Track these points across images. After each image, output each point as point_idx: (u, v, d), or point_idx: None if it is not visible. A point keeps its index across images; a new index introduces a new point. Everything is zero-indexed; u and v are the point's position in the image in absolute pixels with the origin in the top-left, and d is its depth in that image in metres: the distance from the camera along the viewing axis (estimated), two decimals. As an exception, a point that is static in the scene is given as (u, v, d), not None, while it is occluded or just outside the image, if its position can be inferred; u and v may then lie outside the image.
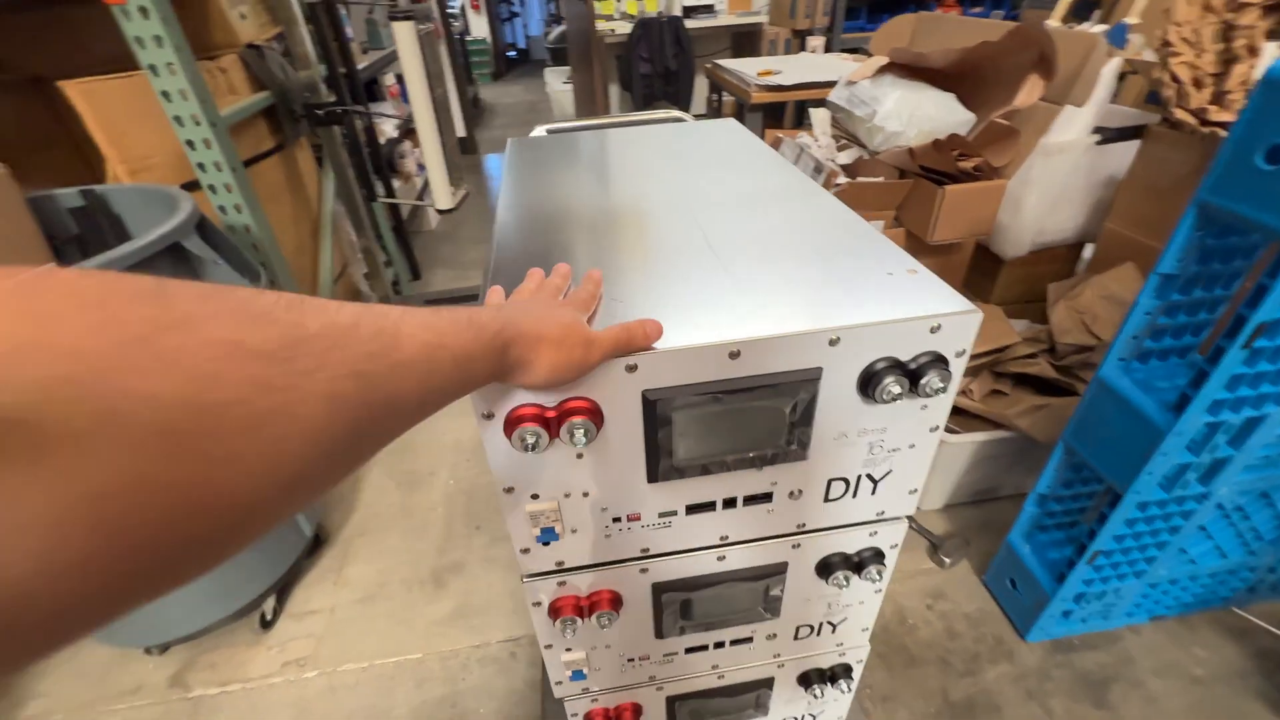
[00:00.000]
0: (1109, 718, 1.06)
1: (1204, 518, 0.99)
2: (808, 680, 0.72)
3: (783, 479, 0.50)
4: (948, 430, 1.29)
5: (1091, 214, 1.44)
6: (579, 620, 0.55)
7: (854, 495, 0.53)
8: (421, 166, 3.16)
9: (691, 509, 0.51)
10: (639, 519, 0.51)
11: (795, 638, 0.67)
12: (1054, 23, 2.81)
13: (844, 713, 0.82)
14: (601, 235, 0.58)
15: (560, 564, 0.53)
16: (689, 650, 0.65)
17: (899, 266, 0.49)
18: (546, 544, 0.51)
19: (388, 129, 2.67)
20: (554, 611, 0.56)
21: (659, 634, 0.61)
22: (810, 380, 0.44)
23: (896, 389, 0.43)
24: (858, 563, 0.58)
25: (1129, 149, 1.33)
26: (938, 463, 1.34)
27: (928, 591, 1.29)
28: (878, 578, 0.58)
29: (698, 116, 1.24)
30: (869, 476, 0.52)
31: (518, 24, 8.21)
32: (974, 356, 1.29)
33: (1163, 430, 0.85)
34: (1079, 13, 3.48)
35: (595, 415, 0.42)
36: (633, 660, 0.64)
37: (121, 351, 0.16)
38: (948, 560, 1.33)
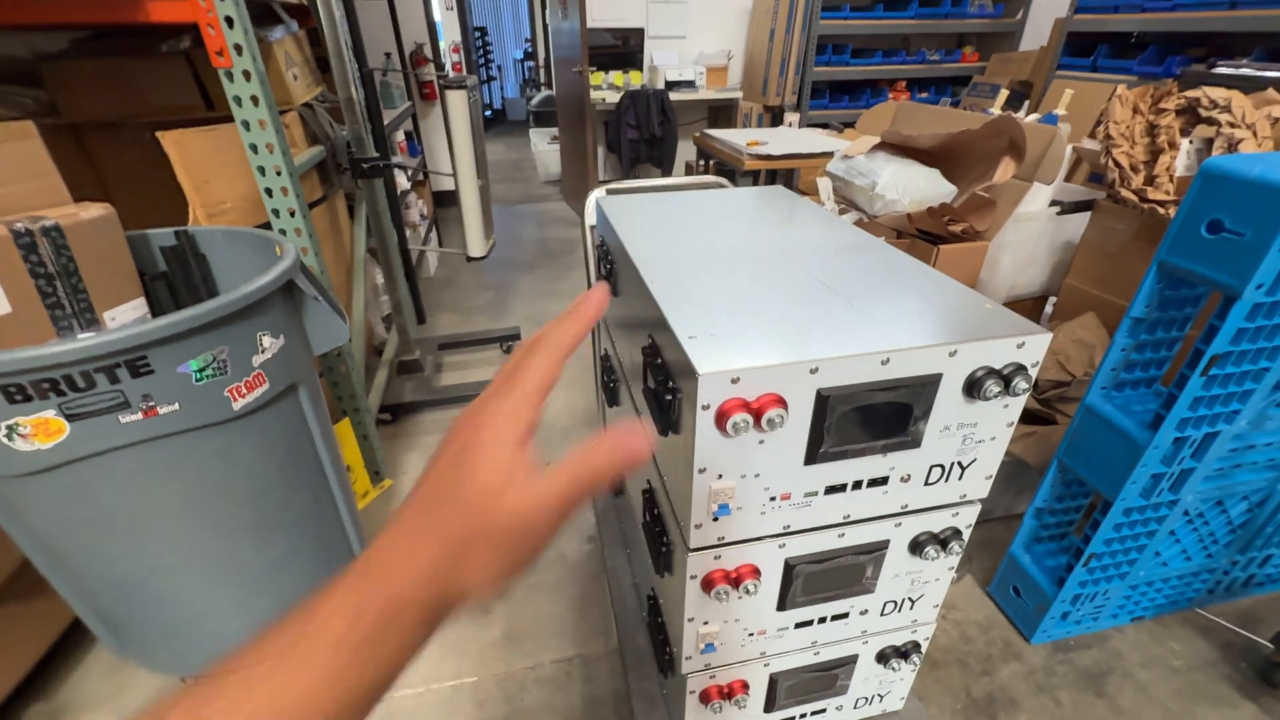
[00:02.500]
0: (1109, 705, 1.21)
1: (1173, 523, 1.18)
2: (884, 656, 0.84)
3: (899, 464, 0.65)
4: (950, 456, 1.46)
5: (1054, 272, 1.70)
6: (729, 589, 0.67)
7: (946, 480, 0.68)
8: (424, 216, 3.29)
9: (829, 489, 0.64)
10: (789, 498, 0.64)
11: (882, 613, 0.79)
12: (995, 110, 3.23)
13: (905, 693, 0.93)
14: (733, 276, 0.73)
15: (721, 539, 0.65)
16: (798, 625, 0.77)
17: (978, 301, 0.66)
18: (717, 519, 0.63)
19: (402, 182, 2.80)
20: (707, 583, 0.67)
21: (781, 606, 0.73)
22: (933, 382, 0.59)
23: (996, 389, 0.59)
24: (943, 540, 0.72)
25: (1082, 219, 1.60)
26: (942, 486, 1.50)
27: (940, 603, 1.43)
28: (958, 552, 0.72)
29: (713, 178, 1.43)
30: (959, 463, 0.67)
31: (495, 86, 8.60)
32: (969, 391, 1.48)
33: (1142, 445, 1.04)
34: (1011, 103, 3.99)
35: (784, 406, 0.56)
36: (752, 635, 0.75)
37: None
38: (955, 576, 1.48)
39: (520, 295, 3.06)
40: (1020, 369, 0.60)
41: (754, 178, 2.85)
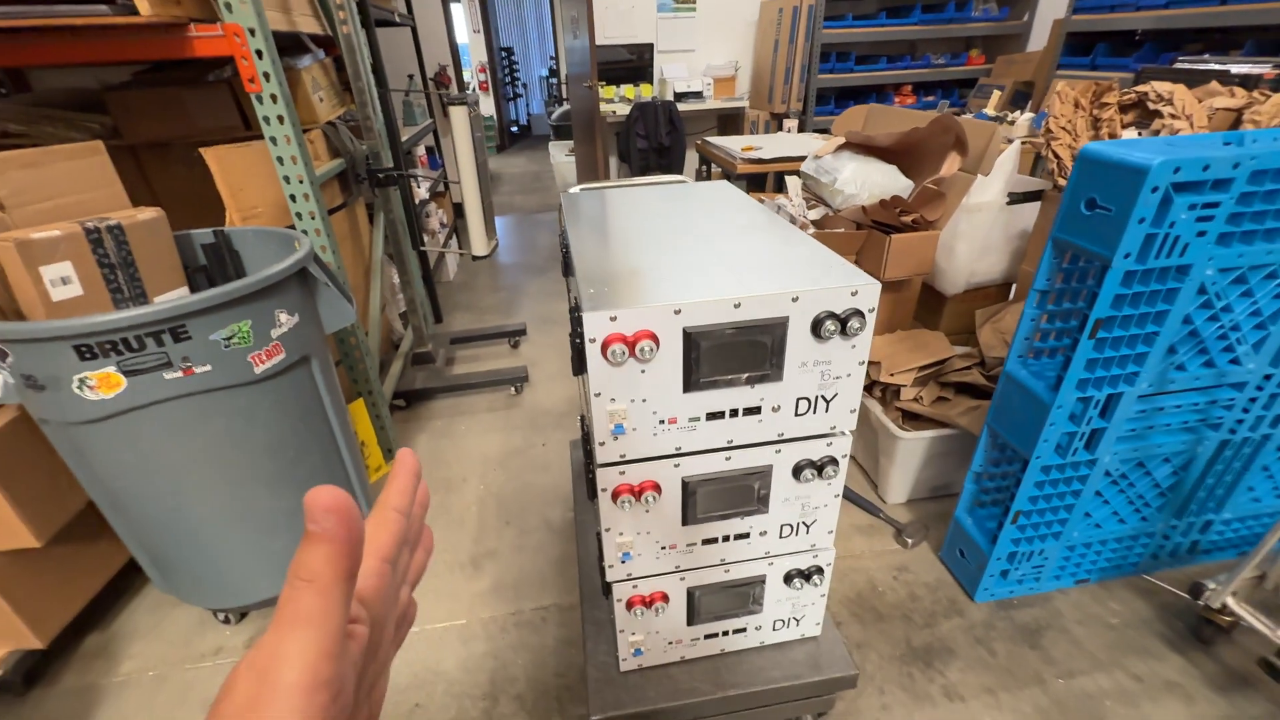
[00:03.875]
0: (1041, 656, 1.30)
1: (1097, 483, 1.27)
2: (789, 578, 0.97)
3: (768, 396, 0.79)
4: (904, 429, 1.57)
5: (1012, 260, 1.80)
6: (632, 499, 0.82)
7: (814, 411, 0.81)
8: (443, 224, 3.53)
9: (710, 416, 0.79)
10: (676, 422, 0.79)
11: (780, 536, 0.93)
12: (990, 111, 3.31)
13: (819, 618, 1.06)
14: (643, 249, 0.89)
15: (622, 456, 0.80)
16: (704, 542, 0.91)
17: (832, 262, 0.80)
18: (616, 437, 0.78)
19: (421, 192, 3.04)
20: (614, 495, 0.82)
21: (685, 520, 0.87)
22: (781, 323, 0.73)
23: (833, 328, 0.73)
24: (820, 466, 0.86)
25: (1034, 208, 1.70)
26: (899, 459, 1.62)
27: (894, 566, 1.54)
28: (834, 476, 0.85)
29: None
30: (823, 397, 0.80)
31: (521, 103, 8.95)
32: (922, 368, 1.59)
33: (1048, 405, 1.14)
34: (1016, 102, 4.04)
35: (655, 339, 0.71)
36: (665, 548, 0.90)
37: None
38: (910, 541, 1.58)
39: (530, 296, 3.26)
40: (856, 313, 0.74)
41: (749, 180, 2.99)
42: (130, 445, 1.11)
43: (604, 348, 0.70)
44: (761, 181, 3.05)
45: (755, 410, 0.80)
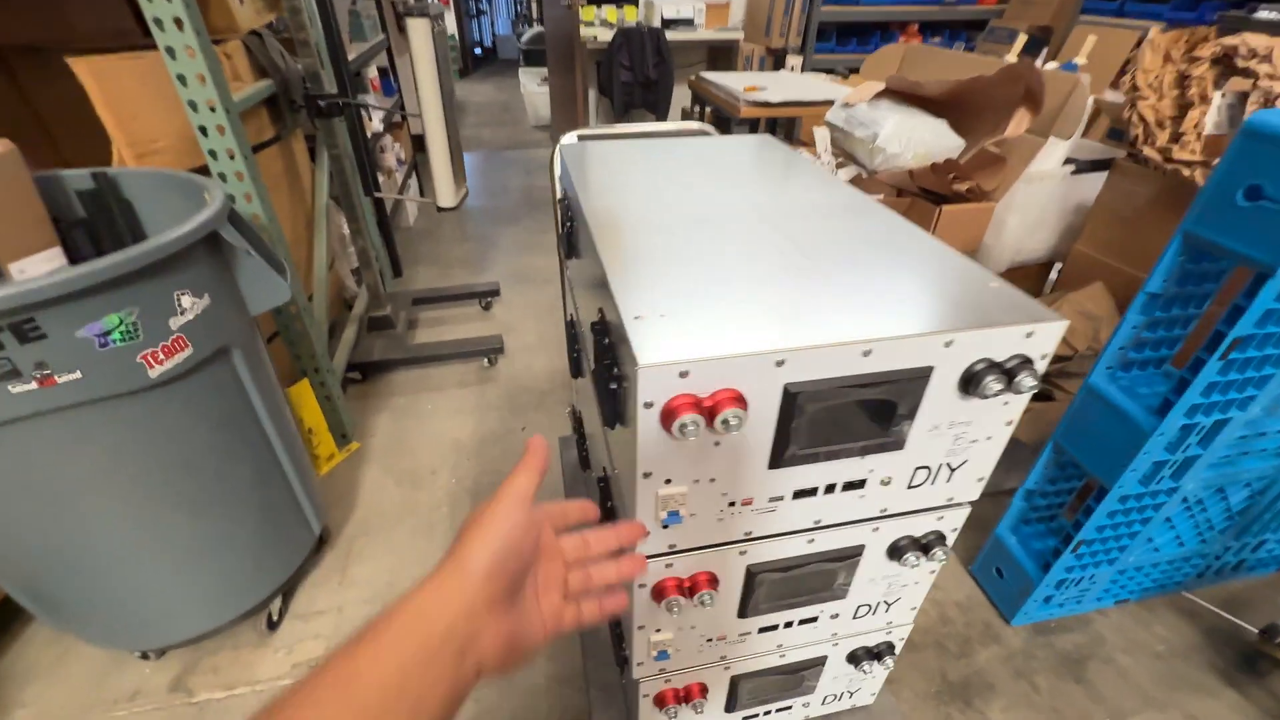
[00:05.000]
0: (1088, 692, 1.18)
1: (1170, 510, 1.12)
2: (855, 658, 0.78)
3: (879, 467, 0.56)
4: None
5: (1062, 237, 1.59)
6: (682, 600, 0.59)
7: (933, 482, 0.59)
8: (401, 161, 3.11)
9: (798, 494, 0.56)
10: (751, 503, 0.55)
11: (854, 616, 0.73)
12: (1012, 57, 3.03)
13: (876, 689, 0.88)
14: (703, 242, 0.63)
15: (672, 546, 0.57)
16: (761, 630, 0.70)
17: (981, 279, 0.56)
18: (667, 527, 0.55)
19: (374, 124, 2.62)
20: (658, 592, 0.60)
21: (742, 613, 0.66)
22: (922, 377, 0.50)
23: (997, 386, 0.49)
24: (925, 545, 0.65)
25: (1097, 179, 1.47)
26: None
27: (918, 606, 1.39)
28: (943, 559, 0.64)
29: (720, 133, 1.30)
30: (949, 465, 0.58)
31: (485, 21, 8.12)
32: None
33: (1147, 431, 0.96)
34: (1029, 50, 3.76)
35: (743, 404, 0.47)
36: (711, 640, 0.69)
37: None
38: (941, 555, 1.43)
39: (502, 249, 2.92)
40: (1026, 363, 0.51)
41: (751, 126, 2.67)
42: (-23, 475, 0.82)
43: (668, 417, 0.46)
44: (770, 130, 2.73)
45: (858, 484, 0.57)
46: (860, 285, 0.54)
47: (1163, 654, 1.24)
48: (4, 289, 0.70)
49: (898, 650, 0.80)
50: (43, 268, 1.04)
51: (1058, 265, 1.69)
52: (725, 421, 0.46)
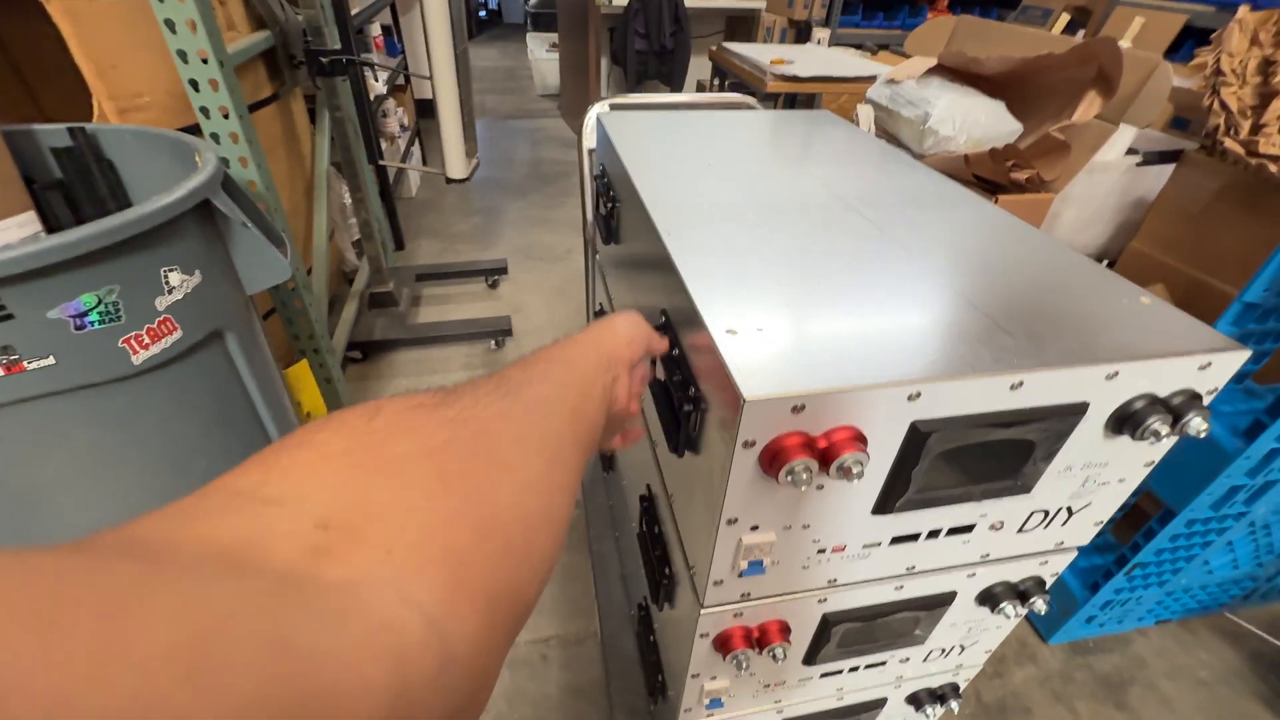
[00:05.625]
0: (1129, 718, 1.12)
1: (1236, 534, 1.05)
2: (917, 700, 0.71)
3: (994, 511, 0.48)
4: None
5: (1117, 233, 1.49)
6: (751, 653, 0.51)
7: (1046, 527, 0.51)
8: (404, 127, 2.96)
9: (896, 540, 0.47)
10: (843, 550, 0.47)
11: (925, 660, 0.65)
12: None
13: (929, 726, 0.81)
14: (784, 234, 0.53)
15: (746, 595, 0.49)
16: (823, 675, 0.62)
17: (1132, 295, 0.46)
18: (744, 576, 0.46)
19: (377, 86, 2.47)
20: (722, 643, 0.51)
21: (808, 660, 0.58)
22: (1075, 415, 0.41)
23: (1163, 429, 0.41)
24: (1021, 592, 0.56)
25: (1161, 172, 1.37)
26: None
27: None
28: (1041, 609, 0.56)
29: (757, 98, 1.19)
30: (1069, 509, 0.50)
31: (490, -17, 7.82)
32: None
33: (1230, 454, 0.88)
34: (1067, 31, 3.60)
35: (863, 444, 0.37)
36: (769, 686, 0.61)
37: None
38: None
39: (510, 223, 2.80)
40: (1194, 399, 0.42)
41: (775, 101, 2.53)
42: (-62, 469, 0.73)
43: (773, 459, 0.37)
44: (790, 106, 2.60)
45: (966, 529, 0.49)
46: (995, 299, 0.45)
47: (1206, 680, 1.18)
48: (-43, 263, 0.60)
49: (962, 691, 0.72)
50: (14, 234, 0.93)
51: (1105, 263, 1.59)
52: (843, 467, 0.37)
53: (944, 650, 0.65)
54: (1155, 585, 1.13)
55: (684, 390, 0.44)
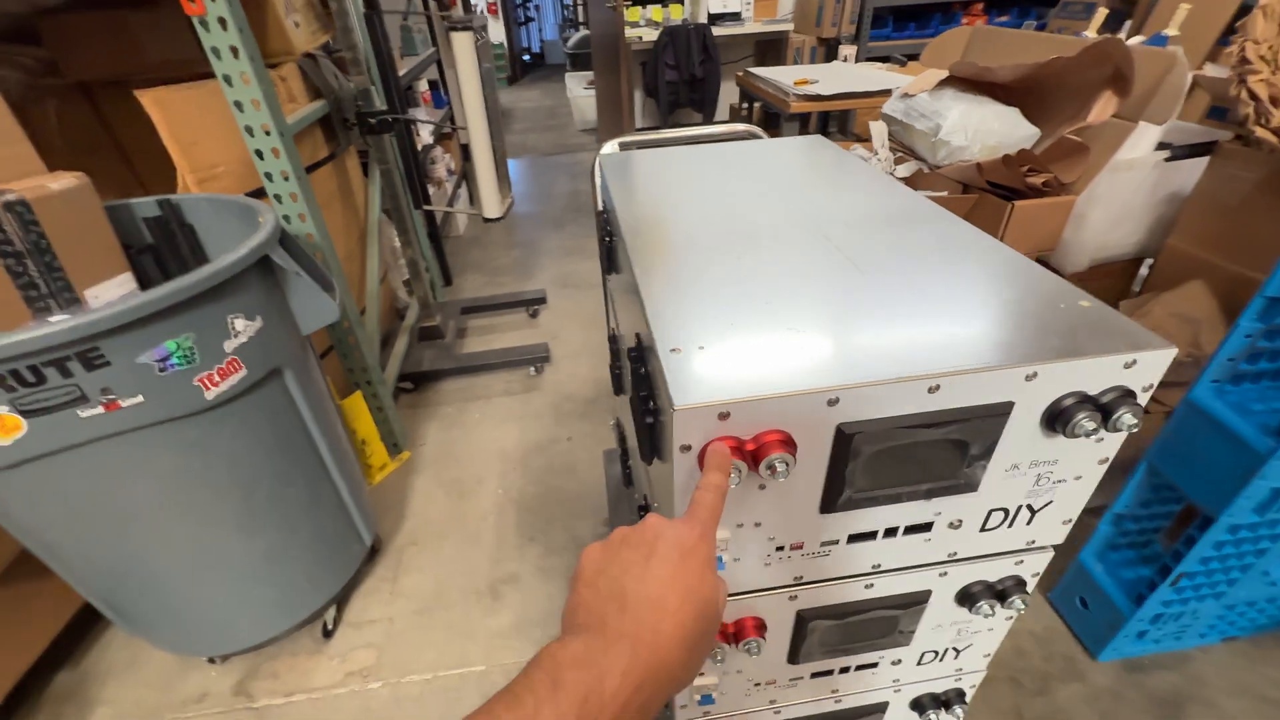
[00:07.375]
0: (1187, 740, 1.06)
1: (1291, 540, 0.99)
2: (921, 706, 0.72)
3: (947, 509, 0.50)
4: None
5: (1152, 230, 1.43)
6: (727, 647, 0.55)
7: (1010, 525, 0.53)
8: (451, 171, 3.17)
9: (853, 538, 0.51)
10: (801, 548, 0.51)
11: (919, 663, 0.67)
12: (1091, 34, 2.81)
13: (945, 736, 0.81)
14: (748, 260, 0.58)
15: (715, 592, 0.53)
16: (814, 675, 0.65)
17: (1071, 298, 0.49)
18: (708, 573, 0.50)
19: (424, 136, 2.68)
20: (700, 638, 0.55)
21: (792, 659, 0.61)
22: (1000, 415, 0.44)
23: (1090, 425, 0.43)
24: (1000, 591, 0.58)
25: (1196, 166, 1.32)
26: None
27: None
28: (1022, 607, 0.57)
29: (769, 131, 1.24)
30: (1029, 507, 0.52)
31: (533, 28, 8.24)
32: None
33: (1262, 454, 0.84)
34: (1109, 24, 3.48)
35: (791, 447, 0.42)
36: (759, 684, 0.64)
37: None
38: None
39: (548, 254, 2.93)
40: (1126, 396, 0.44)
41: (802, 122, 2.57)
42: (55, 495, 0.87)
43: (705, 460, 0.42)
44: (822, 126, 2.63)
45: (923, 528, 0.51)
46: (926, 307, 0.48)
47: (1274, 699, 1.10)
48: (69, 322, 0.73)
49: (968, 698, 0.72)
50: (115, 293, 1.10)
51: (1148, 262, 1.53)
52: (771, 466, 0.41)
53: (937, 653, 0.66)
54: (1210, 598, 1.07)
55: (647, 404, 0.50)
